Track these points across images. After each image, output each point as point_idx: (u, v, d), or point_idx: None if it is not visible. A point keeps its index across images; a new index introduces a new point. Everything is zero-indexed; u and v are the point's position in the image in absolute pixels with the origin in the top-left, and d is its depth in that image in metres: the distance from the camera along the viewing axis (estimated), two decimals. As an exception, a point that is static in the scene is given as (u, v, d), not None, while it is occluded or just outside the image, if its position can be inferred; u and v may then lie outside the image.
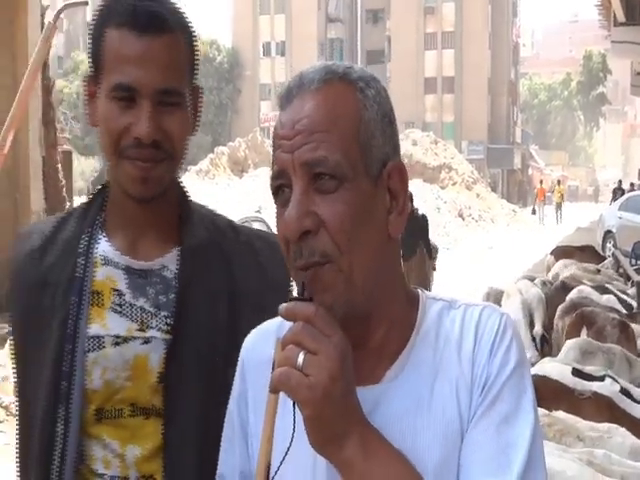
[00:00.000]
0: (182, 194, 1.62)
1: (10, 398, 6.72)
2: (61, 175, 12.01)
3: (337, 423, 1.02)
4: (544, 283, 7.97)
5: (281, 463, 1.09)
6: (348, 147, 1.09)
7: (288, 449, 1.08)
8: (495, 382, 1.11)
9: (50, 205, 11.21)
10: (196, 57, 1.55)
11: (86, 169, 42.47)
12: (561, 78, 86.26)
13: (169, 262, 1.56)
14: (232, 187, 27.59)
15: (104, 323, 1.53)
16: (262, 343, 1.25)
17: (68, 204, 11.71)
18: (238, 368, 1.30)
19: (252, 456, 1.23)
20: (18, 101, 7.94)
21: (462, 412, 1.11)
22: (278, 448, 1.08)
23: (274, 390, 1.03)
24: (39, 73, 9.16)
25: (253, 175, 29.07)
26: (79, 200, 17.27)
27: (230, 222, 1.68)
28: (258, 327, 1.31)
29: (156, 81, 1.44)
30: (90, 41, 1.51)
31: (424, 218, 9.81)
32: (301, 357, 1.00)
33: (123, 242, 1.57)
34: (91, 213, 1.61)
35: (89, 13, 62.85)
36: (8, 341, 1.71)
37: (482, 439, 1.09)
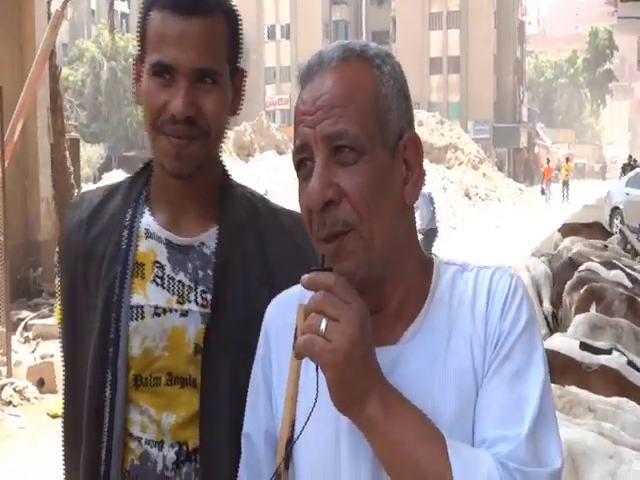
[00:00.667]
0: (223, 173, 1.69)
1: (24, 382, 6.82)
2: (69, 162, 12.00)
3: (358, 384, 1.08)
4: (551, 260, 8.00)
5: (306, 422, 1.15)
6: (366, 120, 1.16)
7: (312, 408, 1.14)
8: (507, 339, 1.18)
9: (58, 192, 11.23)
10: (239, 40, 1.61)
11: (92, 156, 42.46)
12: (567, 55, 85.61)
13: (208, 239, 1.62)
14: (238, 171, 27.48)
15: (145, 294, 1.60)
16: (284, 309, 1.32)
17: (76, 191, 11.72)
18: (262, 333, 1.36)
19: (276, 416, 1.30)
20: (27, 89, 7.99)
21: (476, 367, 1.18)
22: (302, 410, 1.16)
23: (299, 355, 1.10)
24: (47, 61, 9.20)
25: (259, 159, 29.03)
26: (86, 187, 17.32)
27: (268, 203, 1.75)
28: (279, 295, 1.38)
29: (193, 60, 1.50)
30: (138, 24, 1.58)
31: (430, 198, 9.75)
32: (323, 324, 1.06)
33: (165, 217, 1.64)
34: (136, 188, 1.68)
35: (94, 1, 62.64)
36: (57, 307, 1.80)
37: (495, 394, 1.15)
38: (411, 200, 1.22)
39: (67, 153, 11.94)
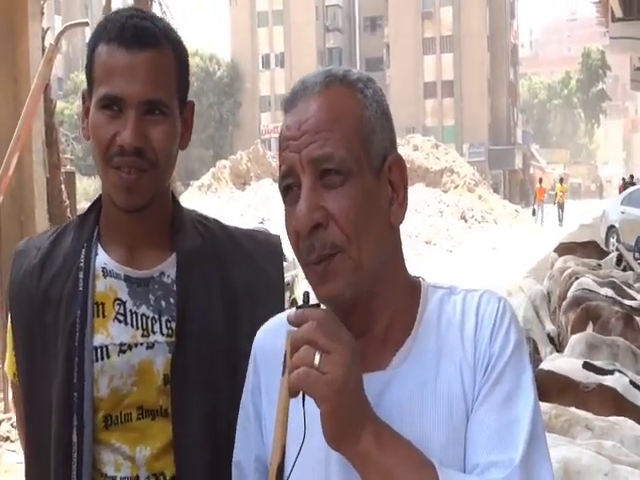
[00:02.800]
0: (173, 202, 1.67)
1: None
2: (64, 196, 12.03)
3: (352, 416, 1.08)
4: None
5: (296, 459, 1.15)
6: (351, 143, 1.17)
7: (302, 444, 1.13)
8: (497, 363, 1.17)
9: (55, 225, 11.25)
10: (187, 72, 1.61)
11: (88, 189, 42.47)
12: (560, 77, 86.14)
13: (167, 268, 1.61)
14: (235, 200, 27.62)
15: (108, 333, 1.58)
16: (272, 336, 1.31)
17: (73, 224, 11.73)
18: (250, 362, 1.36)
19: (266, 442, 1.29)
20: (22, 123, 8.01)
21: (466, 392, 1.17)
22: (292, 439, 1.14)
23: (293, 391, 1.08)
24: (41, 95, 9.24)
25: (255, 187, 29.09)
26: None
27: (221, 224, 1.74)
28: (266, 323, 1.38)
29: (141, 92, 1.49)
30: (86, 60, 1.59)
31: None
32: (317, 357, 1.05)
33: (120, 253, 1.62)
34: (87, 226, 1.65)
35: (88, 34, 62.68)
36: (9, 357, 1.73)
37: (486, 418, 1.15)
38: (397, 221, 1.22)
39: (63, 187, 11.98)
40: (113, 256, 1.62)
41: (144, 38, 1.51)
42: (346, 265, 1.16)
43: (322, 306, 1.16)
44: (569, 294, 6.82)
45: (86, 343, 1.56)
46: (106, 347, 1.57)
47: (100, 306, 1.59)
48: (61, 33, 8.93)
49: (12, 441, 6.53)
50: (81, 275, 1.59)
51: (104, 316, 1.59)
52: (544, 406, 3.92)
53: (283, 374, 1.11)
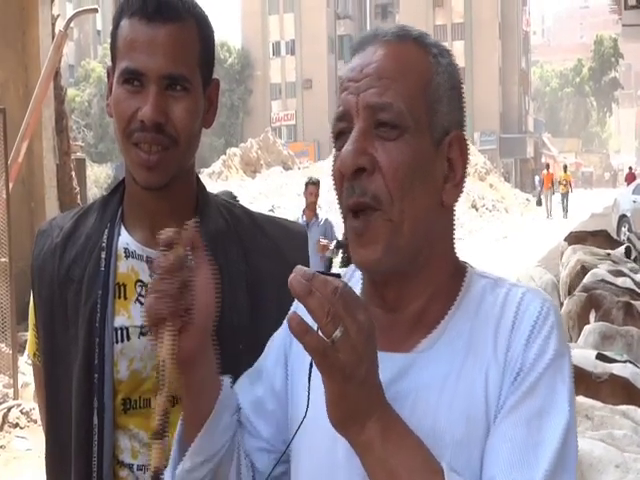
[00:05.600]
0: (197, 184, 1.64)
1: (31, 404, 6.80)
2: (75, 183, 12.04)
3: (359, 403, 1.01)
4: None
5: (295, 434, 1.12)
6: (414, 100, 1.09)
7: (303, 419, 1.10)
8: (530, 372, 1.07)
9: (65, 212, 11.27)
10: (211, 48, 1.57)
11: (99, 176, 42.61)
12: (572, 64, 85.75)
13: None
14: (245, 188, 27.58)
15: (129, 314, 1.56)
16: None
17: (83, 211, 11.76)
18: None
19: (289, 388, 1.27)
20: (31, 110, 8.02)
21: (489, 396, 1.08)
22: (296, 417, 1.12)
23: (311, 352, 0.99)
24: (51, 82, 9.24)
25: (265, 175, 29.10)
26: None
27: (245, 209, 1.71)
28: None
29: (162, 66, 1.46)
30: (110, 35, 1.55)
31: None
32: (338, 332, 0.97)
33: (143, 234, 1.59)
34: (110, 207, 1.63)
35: (99, 21, 63.07)
36: (29, 339, 1.74)
37: (512, 432, 1.05)
38: (450, 201, 1.15)
39: (73, 174, 11.99)
40: (136, 237, 1.60)
41: (166, 12, 1.47)
42: (386, 227, 1.08)
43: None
44: (581, 283, 6.82)
45: (107, 324, 1.54)
46: (126, 329, 1.56)
47: (122, 287, 1.58)
48: (70, 20, 8.93)
49: (21, 427, 6.55)
50: (103, 255, 1.58)
51: (125, 297, 1.57)
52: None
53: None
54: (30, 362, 6.54)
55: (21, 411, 6.68)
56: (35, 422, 6.65)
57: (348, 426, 1.03)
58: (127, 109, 1.48)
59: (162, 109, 1.46)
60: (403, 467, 1.01)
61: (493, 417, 1.07)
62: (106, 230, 1.60)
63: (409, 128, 1.08)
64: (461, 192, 1.16)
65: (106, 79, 1.59)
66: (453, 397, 1.09)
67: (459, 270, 1.19)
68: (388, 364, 1.07)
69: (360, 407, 1.01)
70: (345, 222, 1.12)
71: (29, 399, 6.94)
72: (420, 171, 1.09)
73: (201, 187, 1.65)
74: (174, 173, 1.52)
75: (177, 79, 1.48)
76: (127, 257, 1.59)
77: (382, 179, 1.07)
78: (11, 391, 6.97)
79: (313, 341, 0.97)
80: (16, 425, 6.56)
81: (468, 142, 1.17)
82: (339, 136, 1.12)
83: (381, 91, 1.08)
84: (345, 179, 1.09)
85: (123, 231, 1.61)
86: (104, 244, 1.59)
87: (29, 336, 1.75)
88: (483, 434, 1.07)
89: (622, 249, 9.24)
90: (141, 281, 1.58)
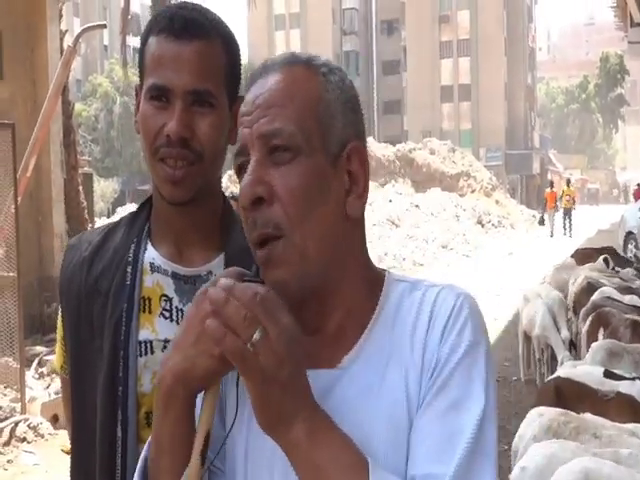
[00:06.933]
0: (223, 200, 1.67)
1: (38, 419, 6.81)
2: (82, 197, 12.08)
3: (284, 405, 1.01)
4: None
5: (226, 438, 1.12)
6: (304, 121, 1.11)
7: (232, 425, 1.11)
8: (445, 367, 1.08)
9: (72, 227, 11.28)
10: (237, 66, 1.59)
11: (106, 191, 42.74)
12: (578, 81, 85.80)
13: (215, 268, 1.60)
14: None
15: (153, 328, 1.58)
16: None
17: (89, 226, 11.79)
18: None
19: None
20: (40, 125, 8.06)
21: (410, 398, 1.09)
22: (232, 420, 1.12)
23: (230, 357, 1.01)
24: (60, 97, 9.29)
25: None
26: (100, 222, 17.40)
27: None
28: None
29: (187, 82, 1.49)
30: (138, 53, 1.59)
31: None
32: (257, 334, 0.99)
33: (169, 249, 1.62)
34: (138, 222, 1.66)
35: (106, 36, 63.40)
36: (57, 351, 1.76)
37: (428, 427, 1.06)
38: (354, 213, 1.14)
39: (80, 188, 12.03)
40: (162, 252, 1.62)
41: (192, 29, 1.50)
42: (290, 252, 1.09)
43: None
44: (590, 301, 6.82)
45: (131, 337, 1.56)
46: (150, 342, 1.58)
47: (147, 301, 1.60)
48: (79, 35, 8.98)
49: (29, 442, 6.55)
50: (129, 269, 1.60)
51: (150, 312, 1.59)
52: (553, 412, 3.92)
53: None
54: (37, 377, 6.56)
55: (28, 425, 6.69)
56: (42, 437, 6.65)
57: (274, 427, 1.03)
58: (154, 125, 1.51)
59: (188, 124, 1.49)
60: (330, 465, 1.02)
61: (415, 415, 1.09)
62: (133, 245, 1.63)
63: (302, 148, 1.10)
64: (365, 202, 1.16)
65: (135, 96, 1.62)
66: (376, 407, 1.10)
67: (376, 279, 1.20)
68: (314, 381, 1.07)
69: (285, 409, 1.02)
70: (254, 254, 1.13)
71: (36, 414, 6.94)
72: (317, 190, 1.11)
73: (227, 204, 1.67)
74: (199, 188, 1.54)
75: (203, 95, 1.51)
76: (153, 272, 1.61)
77: (280, 206, 1.09)
78: (18, 405, 6.98)
79: (231, 344, 0.99)
80: (23, 440, 6.56)
81: (371, 152, 1.17)
82: (240, 171, 1.14)
83: (271, 119, 1.10)
84: (247, 212, 1.11)
85: (149, 246, 1.63)
86: (130, 258, 1.61)
87: (57, 349, 1.78)
88: (407, 434, 1.08)
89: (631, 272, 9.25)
90: (166, 295, 1.60)
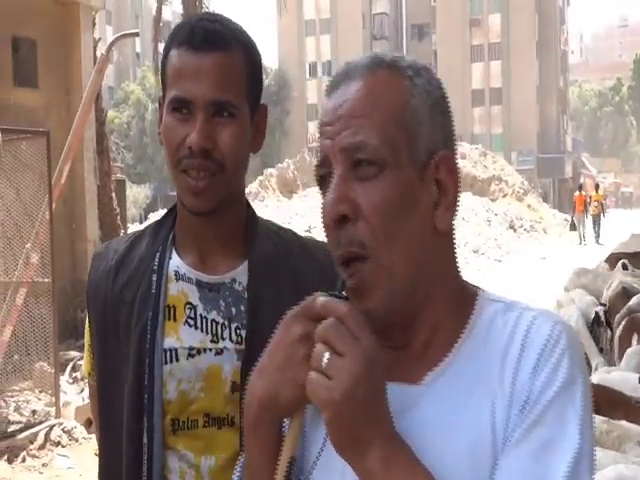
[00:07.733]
0: (247, 209, 1.67)
1: (72, 423, 6.88)
2: (115, 203, 12.21)
3: (359, 428, 0.97)
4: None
5: (314, 466, 1.10)
6: (389, 132, 1.05)
7: (319, 453, 1.09)
8: (537, 403, 1.00)
9: (105, 233, 11.40)
10: (259, 75, 1.60)
11: (138, 197, 43.06)
12: (611, 83, 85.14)
13: (239, 275, 1.61)
14: (282, 208, 27.70)
15: (178, 336, 1.59)
16: None
17: (122, 232, 11.90)
18: None
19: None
20: (74, 132, 8.15)
21: (497, 429, 1.02)
22: (313, 450, 1.11)
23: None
24: (93, 105, 9.39)
25: (302, 195, 29.18)
26: (133, 228, 17.53)
27: (295, 235, 1.73)
28: None
29: (208, 93, 1.49)
30: (160, 65, 1.60)
31: None
32: (326, 357, 0.96)
33: (193, 258, 1.63)
34: (163, 231, 1.68)
35: (138, 44, 64.00)
36: (85, 359, 1.79)
37: (517, 465, 0.99)
38: (444, 226, 1.08)
39: (113, 194, 12.16)
40: (186, 260, 1.63)
41: (213, 40, 1.51)
42: (379, 275, 1.04)
43: None
44: (626, 306, 6.74)
45: (156, 345, 1.57)
46: (175, 350, 1.58)
47: (172, 309, 1.60)
48: (112, 43, 9.06)
49: (63, 446, 6.63)
50: (154, 278, 1.61)
51: (175, 319, 1.60)
52: (595, 420, 3.88)
53: None
54: (71, 381, 6.64)
55: (63, 429, 6.77)
56: (77, 441, 6.73)
57: (348, 451, 0.99)
58: (176, 137, 1.52)
59: (209, 135, 1.50)
60: None
61: (500, 450, 1.01)
62: (158, 253, 1.64)
63: (387, 162, 1.04)
64: (454, 214, 1.10)
65: (157, 107, 1.64)
66: (457, 431, 1.03)
67: (467, 296, 1.13)
68: (396, 395, 1.03)
69: (360, 434, 0.97)
70: (337, 268, 1.08)
71: (70, 417, 7.02)
72: (404, 205, 1.05)
73: (251, 212, 1.68)
74: (222, 198, 1.55)
75: (224, 105, 1.51)
76: (177, 280, 1.62)
77: (365, 224, 1.04)
78: (53, 410, 7.06)
79: (312, 361, 0.98)
80: (58, 443, 6.64)
81: (458, 161, 1.13)
82: (322, 182, 1.09)
83: (354, 131, 1.05)
84: (331, 230, 1.06)
85: (174, 254, 1.64)
86: (155, 267, 1.62)
87: (85, 356, 1.80)
88: (490, 469, 1.01)
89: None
90: (190, 303, 1.61)
